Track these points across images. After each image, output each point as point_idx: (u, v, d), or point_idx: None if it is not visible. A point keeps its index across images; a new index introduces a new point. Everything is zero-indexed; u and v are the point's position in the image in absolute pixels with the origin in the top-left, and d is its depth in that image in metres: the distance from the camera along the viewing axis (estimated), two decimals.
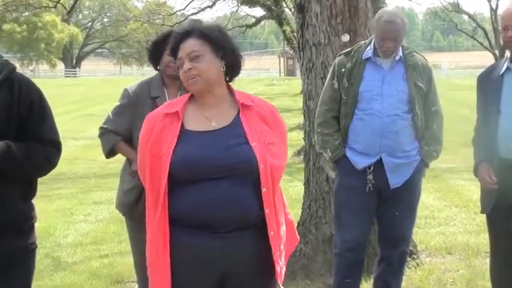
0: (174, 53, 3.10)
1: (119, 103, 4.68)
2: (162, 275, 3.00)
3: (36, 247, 3.40)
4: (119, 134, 4.61)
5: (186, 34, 3.06)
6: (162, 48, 4.53)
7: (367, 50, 4.89)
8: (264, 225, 2.99)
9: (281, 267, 3.06)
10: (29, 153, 3.19)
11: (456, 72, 67.49)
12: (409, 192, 4.94)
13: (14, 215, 3.21)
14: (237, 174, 2.96)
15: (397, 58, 4.84)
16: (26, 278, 3.34)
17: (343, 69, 4.90)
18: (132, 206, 4.58)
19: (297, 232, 3.34)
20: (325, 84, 5.10)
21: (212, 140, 3.01)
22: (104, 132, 4.65)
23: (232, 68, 3.14)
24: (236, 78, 3.20)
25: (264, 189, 2.97)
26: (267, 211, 2.99)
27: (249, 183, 2.97)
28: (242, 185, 2.97)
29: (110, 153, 4.69)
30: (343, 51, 5.07)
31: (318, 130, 5.03)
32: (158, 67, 4.64)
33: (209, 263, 3.00)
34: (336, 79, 4.94)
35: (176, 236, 3.00)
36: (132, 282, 6.05)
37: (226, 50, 3.07)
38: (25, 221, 3.30)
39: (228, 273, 3.03)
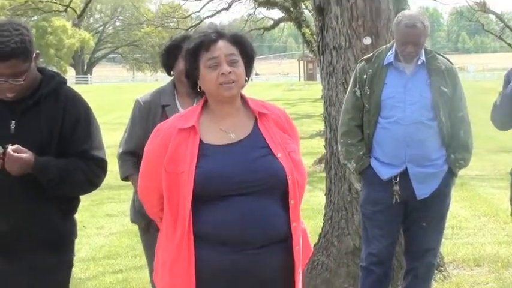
0: (196, 52, 2.92)
1: (131, 116, 4.61)
2: None
3: (73, 265, 3.38)
4: (135, 152, 4.47)
5: (219, 35, 2.93)
6: (176, 53, 4.42)
7: (388, 54, 4.81)
8: (287, 239, 2.90)
9: (302, 283, 2.95)
10: (68, 172, 3.16)
11: (484, 75, 67.37)
12: (437, 203, 4.85)
13: (49, 231, 3.20)
14: (265, 188, 2.86)
15: (419, 62, 4.77)
16: None
17: (364, 76, 4.82)
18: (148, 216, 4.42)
19: (318, 244, 3.15)
20: (347, 91, 5.03)
21: (235, 153, 2.90)
22: (120, 158, 4.57)
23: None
24: (255, 83, 3.03)
25: (291, 202, 2.89)
26: (293, 224, 2.90)
27: (277, 196, 2.89)
28: (270, 199, 2.88)
29: (124, 180, 4.64)
30: (364, 57, 5.00)
31: (342, 140, 4.94)
32: (172, 73, 4.55)
33: (237, 281, 2.89)
34: (357, 86, 4.86)
35: (202, 254, 2.88)
36: None
37: (250, 61, 2.99)
38: (62, 237, 3.29)
39: None
